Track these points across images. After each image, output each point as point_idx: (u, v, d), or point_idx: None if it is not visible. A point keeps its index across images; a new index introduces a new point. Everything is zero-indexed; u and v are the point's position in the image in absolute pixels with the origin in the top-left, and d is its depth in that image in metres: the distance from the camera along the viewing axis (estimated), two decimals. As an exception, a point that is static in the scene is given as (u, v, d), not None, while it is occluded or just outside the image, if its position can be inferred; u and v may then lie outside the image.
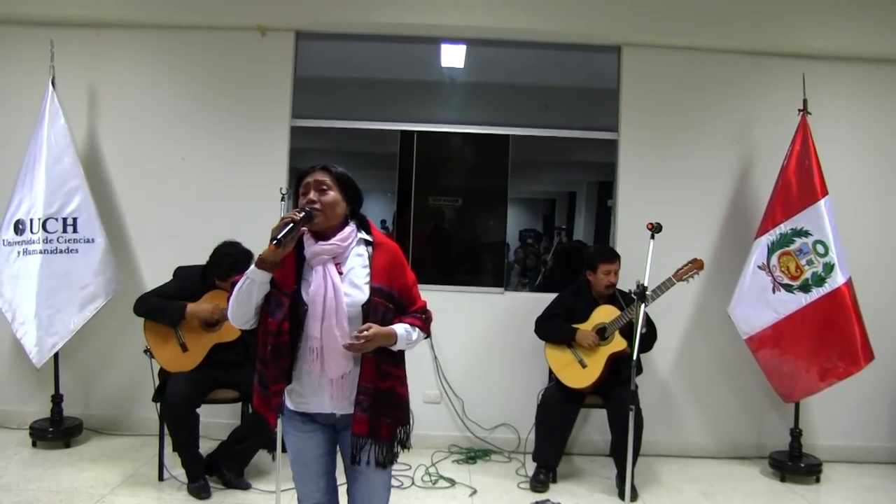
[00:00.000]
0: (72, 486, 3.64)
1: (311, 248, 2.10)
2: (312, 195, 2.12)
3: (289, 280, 2.08)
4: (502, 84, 4.89)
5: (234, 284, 2.09)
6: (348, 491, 2.23)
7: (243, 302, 2.07)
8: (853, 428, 4.55)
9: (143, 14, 4.47)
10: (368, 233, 2.21)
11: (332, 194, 2.13)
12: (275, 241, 1.96)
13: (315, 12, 4.48)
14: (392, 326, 2.10)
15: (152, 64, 4.59)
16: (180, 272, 3.84)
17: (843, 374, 3.99)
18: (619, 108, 4.63)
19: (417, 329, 2.17)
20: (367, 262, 2.15)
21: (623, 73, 4.62)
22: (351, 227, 2.17)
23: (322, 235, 2.12)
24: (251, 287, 2.04)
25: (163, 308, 3.67)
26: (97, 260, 4.21)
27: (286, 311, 2.04)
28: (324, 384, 2.09)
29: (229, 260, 3.68)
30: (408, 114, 4.77)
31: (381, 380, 2.10)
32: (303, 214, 2.04)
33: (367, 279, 2.12)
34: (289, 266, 2.08)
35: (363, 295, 2.09)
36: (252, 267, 2.04)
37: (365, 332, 2.01)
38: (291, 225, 2.00)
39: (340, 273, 2.10)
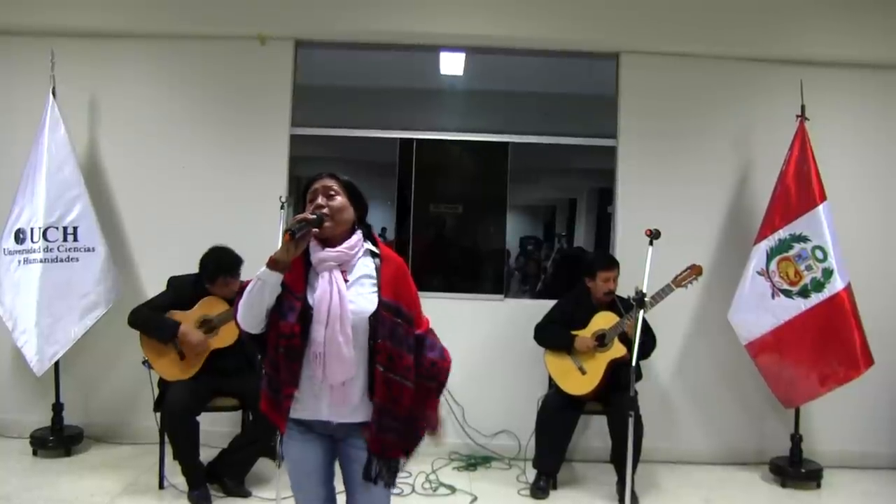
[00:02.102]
0: (72, 494, 3.64)
1: (318, 254, 2.10)
2: (321, 200, 2.12)
3: (299, 284, 2.08)
4: (501, 92, 4.91)
5: (243, 290, 2.10)
6: (348, 502, 2.23)
7: (255, 304, 2.06)
8: (854, 433, 4.53)
9: (143, 24, 4.49)
10: (375, 245, 2.21)
11: (340, 199, 2.14)
12: (290, 231, 1.99)
13: (314, 21, 4.50)
14: (438, 412, 2.34)
15: (152, 73, 4.61)
16: (173, 282, 3.84)
17: (842, 379, 3.99)
18: (618, 115, 4.64)
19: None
20: (374, 274, 2.15)
21: (621, 81, 4.64)
22: (358, 236, 2.18)
23: (329, 242, 2.13)
24: (263, 289, 2.04)
25: (156, 324, 3.66)
26: (97, 269, 4.22)
27: (298, 314, 2.05)
28: (323, 390, 2.09)
29: (221, 263, 3.70)
30: (407, 122, 4.79)
31: (388, 394, 2.10)
32: (315, 217, 2.06)
33: (375, 290, 2.12)
34: (297, 271, 2.09)
35: (370, 305, 2.09)
36: (263, 268, 2.04)
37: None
38: (305, 223, 2.02)
39: (346, 280, 2.11)
